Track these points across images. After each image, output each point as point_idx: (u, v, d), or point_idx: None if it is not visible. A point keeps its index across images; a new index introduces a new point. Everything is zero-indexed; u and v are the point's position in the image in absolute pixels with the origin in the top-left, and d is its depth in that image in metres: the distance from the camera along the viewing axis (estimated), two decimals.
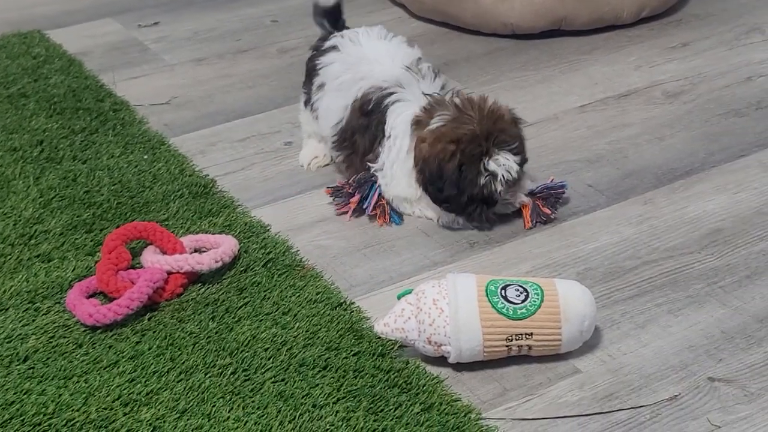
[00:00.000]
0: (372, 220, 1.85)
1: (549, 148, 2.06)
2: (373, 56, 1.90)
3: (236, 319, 1.60)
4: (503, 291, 1.50)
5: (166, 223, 1.81)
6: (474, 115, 1.76)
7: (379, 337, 1.54)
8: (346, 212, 1.87)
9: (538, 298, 1.50)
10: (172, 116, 2.22)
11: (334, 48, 1.95)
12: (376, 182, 1.85)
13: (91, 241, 1.77)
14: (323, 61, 1.95)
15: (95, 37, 2.58)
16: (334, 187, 1.89)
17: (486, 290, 1.50)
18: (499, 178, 1.75)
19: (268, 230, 1.81)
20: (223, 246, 1.70)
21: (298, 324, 1.58)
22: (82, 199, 1.88)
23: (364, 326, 1.58)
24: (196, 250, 1.74)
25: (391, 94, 1.84)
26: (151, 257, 1.67)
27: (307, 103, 2.01)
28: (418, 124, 1.79)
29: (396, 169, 1.82)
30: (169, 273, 1.65)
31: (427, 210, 1.85)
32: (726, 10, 2.56)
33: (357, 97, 1.86)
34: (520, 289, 1.51)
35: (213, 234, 1.77)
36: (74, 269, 1.70)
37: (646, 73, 2.29)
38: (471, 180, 1.75)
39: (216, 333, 1.57)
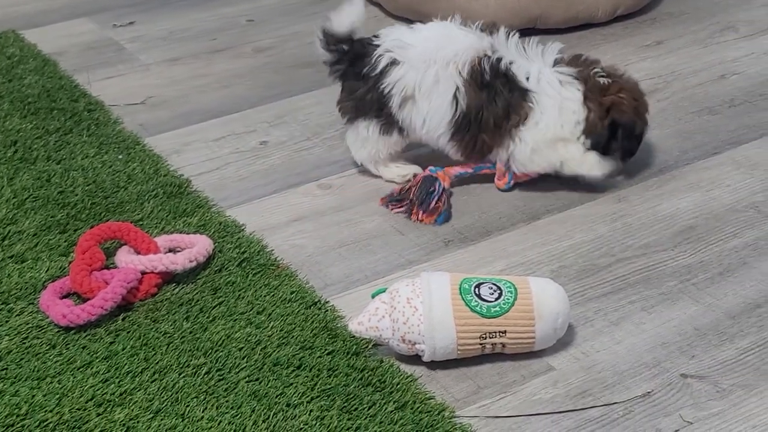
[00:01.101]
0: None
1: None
2: (437, 40, 1.86)
3: (210, 318, 1.60)
4: (477, 289, 1.51)
5: (141, 223, 1.81)
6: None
7: (354, 336, 1.55)
8: (405, 212, 1.87)
9: (511, 296, 1.50)
10: (147, 116, 2.21)
11: (392, 63, 1.86)
12: (440, 184, 1.85)
13: (65, 241, 1.76)
14: (390, 80, 1.85)
15: (70, 37, 2.57)
16: (390, 195, 1.89)
17: (460, 288, 1.51)
18: None
19: (242, 230, 1.81)
20: (197, 246, 1.70)
21: (272, 323, 1.58)
22: (56, 200, 1.87)
23: (339, 325, 1.58)
24: (170, 250, 1.73)
25: (500, 58, 1.83)
26: (125, 257, 1.67)
27: (388, 130, 1.90)
28: (576, 74, 1.84)
29: (547, 117, 1.82)
30: (144, 273, 1.65)
31: (574, 148, 1.85)
32: (700, 9, 2.57)
33: (465, 78, 1.82)
34: (494, 287, 1.51)
35: (187, 234, 1.77)
36: (48, 270, 1.70)
37: None
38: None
39: (190, 333, 1.57)
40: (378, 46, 1.88)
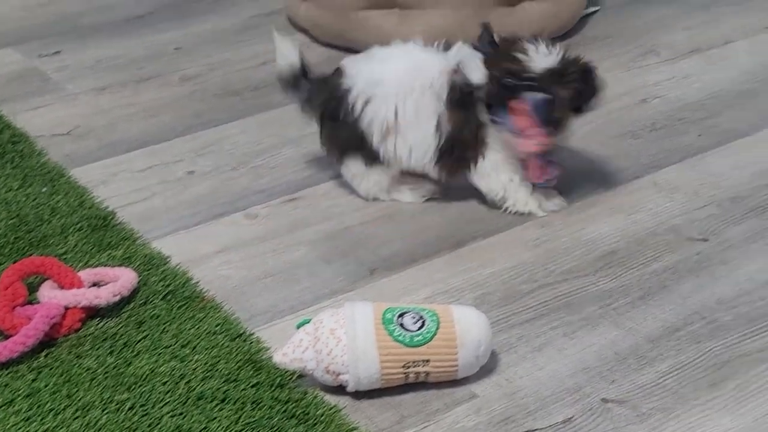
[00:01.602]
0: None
1: None
2: (410, 72, 1.88)
3: (135, 353, 1.59)
4: (400, 318, 1.52)
5: (65, 257, 1.80)
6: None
7: (278, 368, 1.55)
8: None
9: (434, 325, 1.52)
10: (73, 147, 2.20)
11: (368, 101, 1.88)
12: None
13: None
14: (368, 116, 1.88)
15: None
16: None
17: (383, 318, 1.52)
18: None
19: (168, 262, 1.81)
20: (121, 279, 1.69)
21: (197, 356, 1.58)
22: None
23: (264, 357, 1.58)
24: (94, 284, 1.72)
25: (467, 75, 1.84)
26: (48, 292, 1.66)
27: (373, 162, 1.92)
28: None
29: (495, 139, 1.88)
30: (67, 308, 1.64)
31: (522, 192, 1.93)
32: (623, 32, 2.61)
33: (444, 102, 1.85)
34: (417, 317, 1.53)
35: (112, 267, 1.76)
36: None
37: None
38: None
39: (114, 368, 1.56)
40: (350, 88, 1.89)
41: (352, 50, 2.51)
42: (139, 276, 1.74)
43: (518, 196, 1.93)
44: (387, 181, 1.97)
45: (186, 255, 1.85)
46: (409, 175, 1.99)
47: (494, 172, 1.91)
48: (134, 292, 1.71)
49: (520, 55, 1.81)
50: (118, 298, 1.67)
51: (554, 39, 2.51)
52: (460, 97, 1.85)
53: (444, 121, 1.86)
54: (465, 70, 1.85)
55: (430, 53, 1.91)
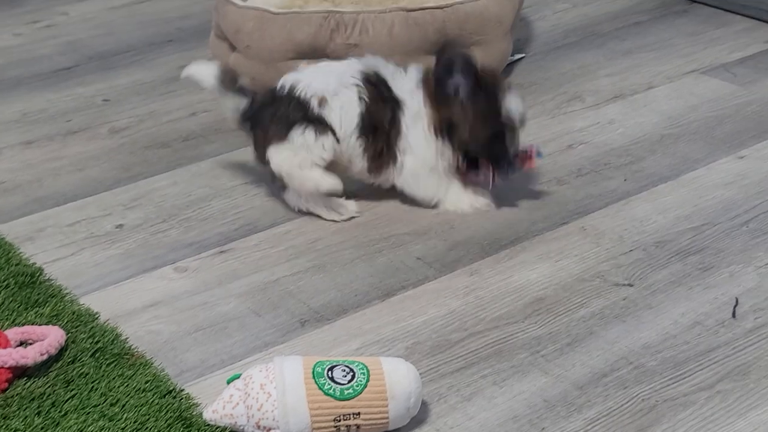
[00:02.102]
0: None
1: (379, 221, 2.10)
2: (329, 66, 2.12)
3: (63, 413, 1.57)
4: (330, 372, 1.52)
5: None
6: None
7: (209, 425, 1.54)
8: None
9: (364, 378, 1.52)
10: None
11: (298, 82, 2.06)
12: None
13: None
14: (302, 87, 2.04)
15: None
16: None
17: (313, 372, 1.52)
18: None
19: (97, 318, 1.79)
20: (49, 338, 1.67)
21: (126, 415, 1.57)
22: None
23: (194, 413, 1.57)
24: (21, 343, 1.70)
25: (377, 71, 2.07)
26: None
27: (322, 130, 2.03)
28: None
29: (415, 136, 2.05)
30: None
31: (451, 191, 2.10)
32: (548, 79, 2.66)
33: (358, 81, 2.04)
34: (347, 370, 1.53)
35: (39, 325, 1.74)
36: None
37: None
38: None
39: (42, 429, 1.54)
40: (286, 83, 2.08)
41: None
42: (67, 333, 1.73)
43: (448, 197, 2.10)
44: (316, 157, 2.05)
45: (115, 311, 1.83)
46: (334, 196, 2.10)
47: (415, 178, 2.08)
48: (62, 351, 1.69)
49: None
50: (45, 356, 1.65)
51: None
52: (378, 92, 2.04)
53: (365, 97, 2.04)
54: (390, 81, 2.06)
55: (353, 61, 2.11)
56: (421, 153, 2.06)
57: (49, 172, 2.30)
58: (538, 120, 2.46)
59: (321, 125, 2.03)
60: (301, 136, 2.03)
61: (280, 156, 2.05)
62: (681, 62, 2.71)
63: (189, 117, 2.52)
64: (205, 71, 2.10)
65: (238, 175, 2.27)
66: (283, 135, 2.04)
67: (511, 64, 2.70)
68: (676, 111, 2.48)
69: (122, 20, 3.09)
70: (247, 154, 2.33)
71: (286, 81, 2.07)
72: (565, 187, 2.20)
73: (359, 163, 2.08)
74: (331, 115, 2.03)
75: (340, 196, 2.10)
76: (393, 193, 2.18)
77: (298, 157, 2.04)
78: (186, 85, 2.66)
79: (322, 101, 2.03)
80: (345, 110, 2.04)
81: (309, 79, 2.05)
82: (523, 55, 2.76)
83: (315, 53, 2.46)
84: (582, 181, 2.22)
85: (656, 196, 2.15)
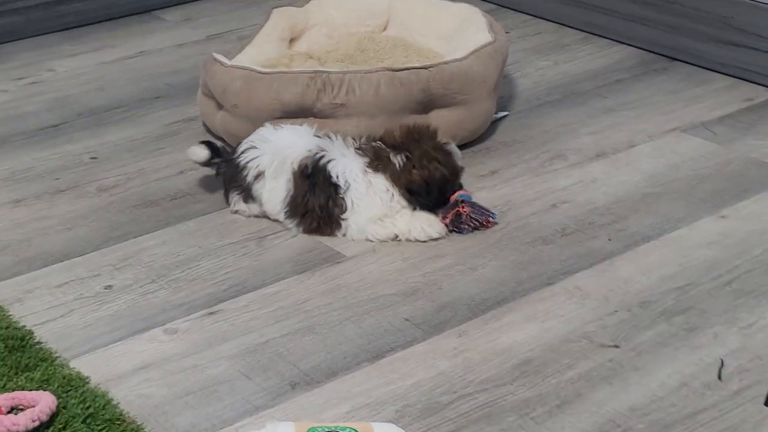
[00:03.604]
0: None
1: (366, 281, 2.11)
2: (288, 140, 2.28)
3: None
4: None
5: None
6: (424, 139, 2.26)
7: None
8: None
9: None
10: None
11: (251, 148, 2.29)
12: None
13: None
14: (248, 156, 2.28)
15: None
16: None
17: None
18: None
19: (87, 382, 1.80)
20: (40, 404, 1.68)
21: None
22: None
23: None
24: (12, 409, 1.71)
25: (322, 157, 2.24)
26: None
27: (247, 198, 2.31)
28: (377, 165, 2.24)
29: (363, 204, 2.22)
30: None
31: (401, 221, 2.24)
32: (531, 138, 2.69)
33: (294, 170, 2.23)
34: None
35: (30, 390, 1.74)
36: None
37: None
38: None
39: None
40: (244, 148, 2.31)
41: None
42: (58, 399, 1.73)
43: (400, 228, 2.24)
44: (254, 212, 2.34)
45: (105, 374, 1.84)
46: None
47: (363, 233, 2.24)
48: (53, 417, 1.70)
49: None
50: (37, 423, 1.65)
51: (467, 144, 2.61)
52: (306, 173, 2.23)
53: (292, 184, 2.24)
54: (326, 157, 2.25)
55: (308, 134, 2.30)
56: (368, 214, 2.24)
57: (38, 231, 2.31)
58: (523, 178, 2.49)
59: (251, 196, 2.30)
60: (236, 198, 2.33)
61: (232, 204, 2.36)
62: (662, 120, 2.75)
63: (177, 175, 2.54)
64: (200, 155, 2.37)
65: (227, 234, 2.29)
66: (227, 191, 2.36)
67: (495, 123, 2.73)
68: (658, 170, 2.51)
69: (112, 76, 3.11)
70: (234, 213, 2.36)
71: (246, 141, 2.32)
72: (551, 247, 2.22)
73: (288, 225, 2.30)
74: (262, 193, 2.28)
75: None
76: (379, 253, 2.20)
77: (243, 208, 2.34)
78: (174, 143, 2.69)
79: (259, 176, 2.28)
80: (273, 193, 2.27)
81: (259, 152, 2.28)
82: (506, 113, 2.80)
83: (302, 113, 2.49)
84: (567, 240, 2.24)
85: (640, 255, 2.18)
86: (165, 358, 1.90)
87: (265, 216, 2.31)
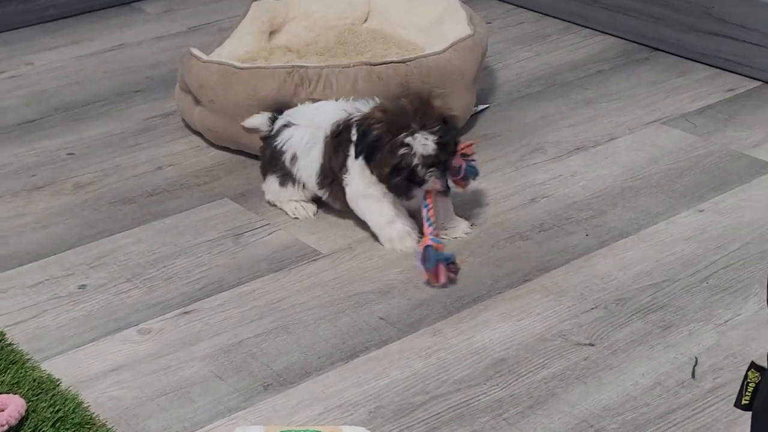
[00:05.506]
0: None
1: (343, 279, 2.10)
2: (323, 110, 2.26)
3: None
4: None
5: None
6: (413, 96, 2.11)
7: None
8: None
9: None
10: None
11: (285, 126, 2.29)
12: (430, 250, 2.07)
13: None
14: (282, 138, 2.27)
15: None
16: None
17: None
18: (415, 153, 2.05)
19: (58, 385, 1.79)
20: (9, 408, 1.67)
21: None
22: None
23: None
24: None
25: (352, 116, 2.16)
26: None
27: (285, 182, 2.29)
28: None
29: (355, 170, 2.15)
30: None
31: (376, 211, 2.18)
32: (511, 131, 2.68)
33: (327, 134, 2.19)
34: None
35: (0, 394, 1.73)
36: None
37: None
38: (389, 150, 2.06)
39: None
40: (278, 126, 2.32)
41: (247, 154, 2.55)
42: (28, 402, 1.72)
43: (375, 219, 2.19)
44: (285, 199, 2.33)
45: (77, 376, 1.83)
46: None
47: (360, 200, 2.18)
48: (22, 421, 1.69)
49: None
50: (5, 428, 1.64)
51: None
52: (334, 132, 2.18)
53: (324, 150, 2.20)
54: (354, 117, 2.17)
55: (341, 104, 2.25)
56: (356, 184, 2.18)
57: (14, 230, 2.30)
58: (502, 173, 2.48)
59: (292, 178, 2.28)
60: (273, 181, 2.31)
61: (267, 186, 2.35)
62: (642, 112, 2.74)
63: (155, 171, 2.52)
64: (259, 121, 2.39)
65: (203, 231, 2.28)
66: (265, 173, 2.34)
67: (475, 115, 2.72)
68: (637, 163, 2.50)
69: (90, 69, 3.09)
70: (211, 209, 2.35)
71: (282, 119, 2.32)
72: (528, 243, 2.21)
73: (324, 197, 2.28)
74: (299, 172, 2.26)
75: None
76: (356, 250, 2.19)
77: (277, 191, 2.33)
78: (152, 138, 2.68)
79: (294, 158, 2.25)
80: (309, 167, 2.25)
81: (292, 129, 2.27)
82: (486, 105, 2.79)
83: (279, 107, 2.47)
84: (544, 236, 2.23)
85: (617, 251, 2.17)
86: (138, 359, 1.89)
87: (289, 201, 2.32)
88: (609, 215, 2.30)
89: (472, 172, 2.20)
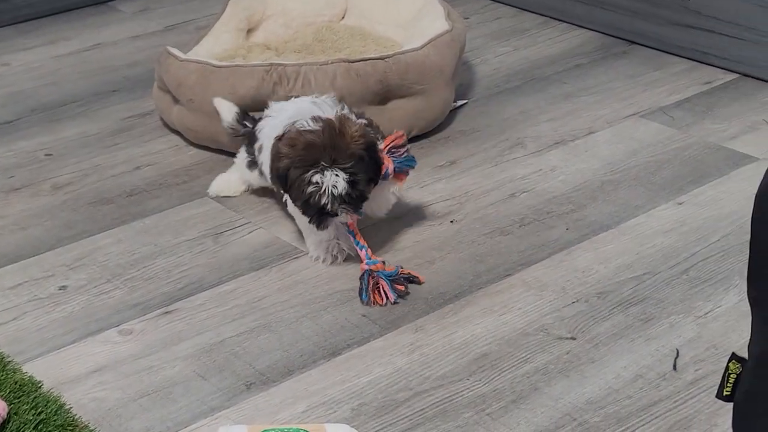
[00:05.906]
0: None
1: (323, 277, 2.10)
2: (295, 108, 2.13)
3: None
4: None
5: None
6: (324, 129, 1.97)
7: None
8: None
9: None
10: None
11: (268, 116, 2.20)
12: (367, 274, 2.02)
13: None
14: (259, 126, 2.20)
15: None
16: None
17: None
18: (324, 191, 1.94)
19: (40, 387, 1.78)
20: None
21: None
22: None
23: None
24: None
25: (296, 121, 2.03)
26: None
27: (252, 165, 2.26)
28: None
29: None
30: None
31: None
32: (490, 126, 2.68)
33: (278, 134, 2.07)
34: None
35: None
36: None
37: (417, 194, 2.37)
38: (298, 186, 1.97)
39: None
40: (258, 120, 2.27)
41: (226, 153, 2.54)
42: (10, 405, 1.71)
43: (308, 241, 2.15)
44: (244, 182, 2.37)
45: (59, 378, 1.82)
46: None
47: (289, 203, 2.11)
48: (4, 423, 1.68)
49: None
50: None
51: (424, 135, 2.60)
52: (279, 136, 2.04)
53: (270, 151, 2.08)
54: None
55: (309, 104, 2.14)
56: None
57: None
58: (481, 168, 2.48)
59: (258, 167, 2.22)
60: (245, 161, 2.29)
61: (239, 157, 2.34)
62: (620, 106, 2.75)
63: (133, 171, 2.51)
64: (226, 110, 2.35)
65: (183, 230, 2.27)
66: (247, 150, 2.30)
67: (454, 111, 2.72)
68: (617, 156, 2.51)
69: (67, 70, 3.07)
70: (190, 209, 2.34)
71: (266, 111, 2.24)
72: (509, 238, 2.21)
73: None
74: (263, 166, 2.18)
75: None
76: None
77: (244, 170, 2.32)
78: (130, 138, 2.66)
79: (261, 149, 2.18)
80: (266, 163, 2.14)
81: (267, 120, 2.19)
82: (465, 101, 2.79)
83: (258, 106, 2.47)
84: (525, 230, 2.24)
85: (597, 245, 2.18)
86: (119, 360, 1.88)
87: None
88: (589, 209, 2.30)
89: (408, 165, 2.09)
